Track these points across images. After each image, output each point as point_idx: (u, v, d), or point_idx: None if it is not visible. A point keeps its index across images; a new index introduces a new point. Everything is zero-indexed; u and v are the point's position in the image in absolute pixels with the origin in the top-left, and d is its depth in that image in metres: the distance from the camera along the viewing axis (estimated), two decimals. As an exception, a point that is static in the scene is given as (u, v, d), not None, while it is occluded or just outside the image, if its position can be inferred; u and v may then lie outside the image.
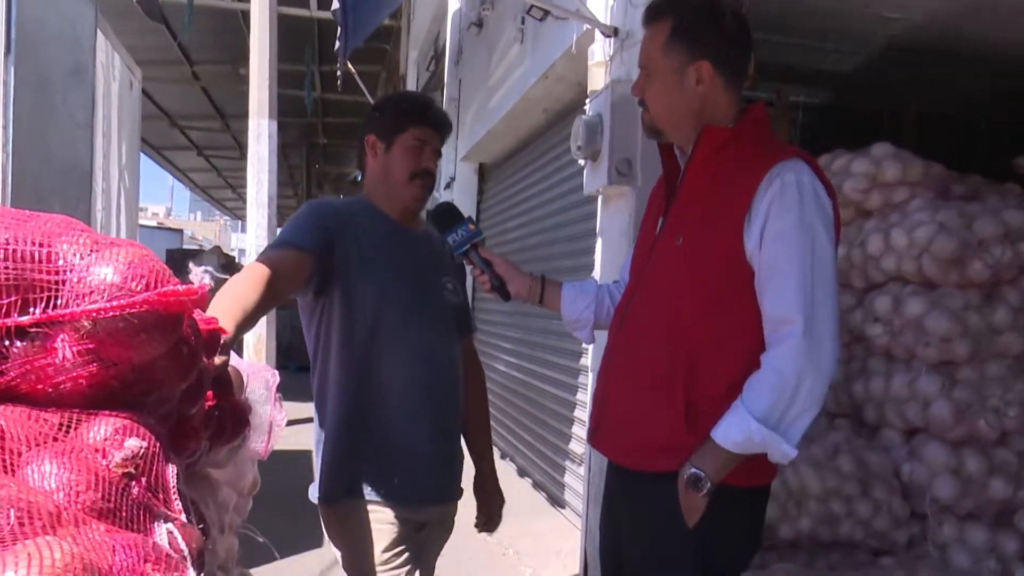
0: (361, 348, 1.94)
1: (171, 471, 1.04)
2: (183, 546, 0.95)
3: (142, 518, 0.94)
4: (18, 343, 1.00)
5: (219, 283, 1.05)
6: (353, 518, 1.93)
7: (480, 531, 2.23)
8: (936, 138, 4.31)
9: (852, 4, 3.68)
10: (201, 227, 52.34)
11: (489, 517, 2.22)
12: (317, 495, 1.99)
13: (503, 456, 6.35)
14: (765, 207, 1.54)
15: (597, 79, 3.61)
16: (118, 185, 6.44)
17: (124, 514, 0.91)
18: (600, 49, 3.65)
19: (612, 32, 3.47)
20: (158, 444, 1.02)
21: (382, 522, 1.92)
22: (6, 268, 0.98)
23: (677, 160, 1.78)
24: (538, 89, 5.12)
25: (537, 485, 5.70)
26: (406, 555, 1.93)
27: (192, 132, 17.83)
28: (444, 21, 8.53)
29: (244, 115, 15.16)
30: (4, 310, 0.98)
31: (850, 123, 4.61)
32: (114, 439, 1.00)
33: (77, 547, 0.75)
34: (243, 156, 19.71)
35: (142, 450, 0.96)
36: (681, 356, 1.61)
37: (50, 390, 1.02)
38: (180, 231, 28.00)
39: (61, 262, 1.02)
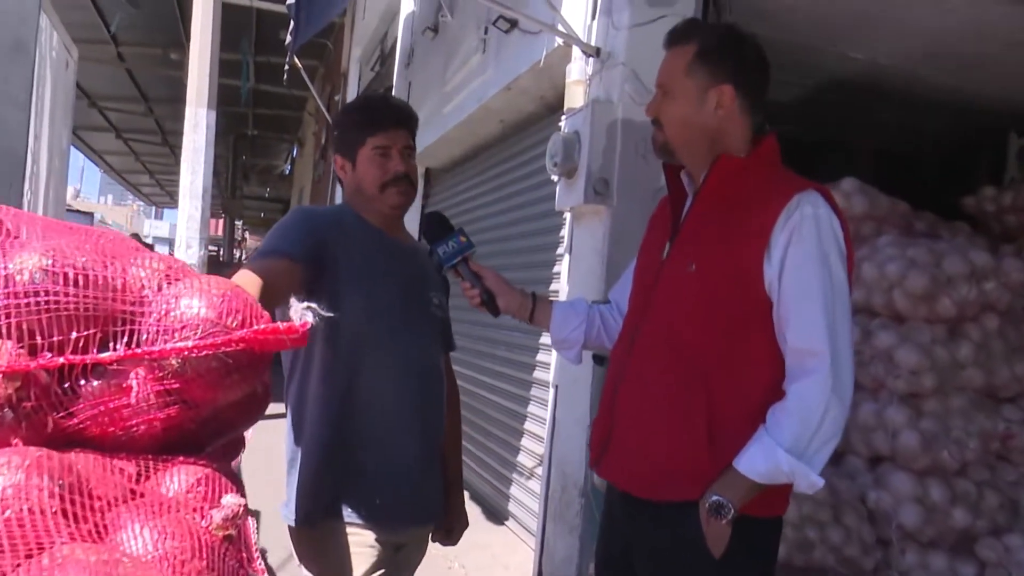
0: (346, 363, 1.86)
1: (252, 524, 0.97)
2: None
3: (237, 580, 0.88)
4: (93, 382, 0.91)
5: (323, 321, 0.97)
6: (332, 541, 1.84)
7: (434, 540, 2.17)
8: (890, 174, 4.48)
9: (817, 41, 3.78)
10: (112, 211, 50.18)
11: (448, 534, 2.18)
12: (293, 517, 1.89)
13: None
14: (785, 238, 1.55)
15: (575, 97, 3.61)
16: (47, 167, 6.13)
17: (224, 578, 0.85)
18: (578, 68, 3.64)
19: (594, 52, 3.47)
20: (243, 496, 0.95)
21: (362, 545, 1.85)
22: (85, 297, 0.89)
23: (683, 185, 1.78)
24: (499, 100, 5.07)
25: (477, 497, 5.65)
26: None
27: (112, 114, 17.20)
28: (393, 22, 8.38)
29: (170, 100, 14.79)
30: (82, 344, 0.89)
31: (803, 153, 4.74)
32: (197, 492, 0.92)
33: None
34: (165, 142, 19.31)
35: (240, 508, 0.89)
36: (698, 383, 1.60)
37: (120, 433, 0.94)
38: (91, 214, 26.65)
39: (145, 292, 0.94)
